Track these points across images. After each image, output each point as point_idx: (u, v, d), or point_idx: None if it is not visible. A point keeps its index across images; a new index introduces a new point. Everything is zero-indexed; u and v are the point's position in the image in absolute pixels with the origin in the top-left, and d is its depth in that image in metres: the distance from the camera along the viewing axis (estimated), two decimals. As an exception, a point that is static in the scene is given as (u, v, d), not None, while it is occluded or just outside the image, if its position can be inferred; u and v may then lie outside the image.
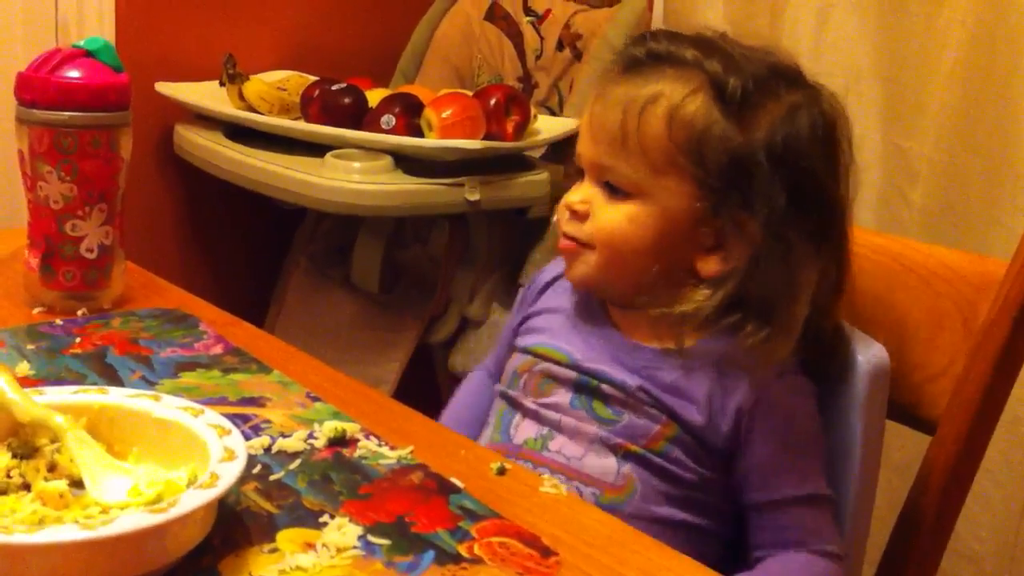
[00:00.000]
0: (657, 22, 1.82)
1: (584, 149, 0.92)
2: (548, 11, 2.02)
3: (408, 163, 1.74)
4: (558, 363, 0.93)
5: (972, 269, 0.95)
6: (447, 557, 0.65)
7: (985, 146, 1.44)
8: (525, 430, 0.93)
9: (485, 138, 1.73)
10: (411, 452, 0.78)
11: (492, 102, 1.75)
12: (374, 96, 1.87)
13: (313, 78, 1.96)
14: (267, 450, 0.76)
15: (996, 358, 0.90)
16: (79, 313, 0.99)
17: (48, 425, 0.68)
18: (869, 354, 0.92)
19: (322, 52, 2.18)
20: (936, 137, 1.51)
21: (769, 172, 0.86)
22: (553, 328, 0.97)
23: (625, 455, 0.88)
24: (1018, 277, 0.90)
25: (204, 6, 2.07)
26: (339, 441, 0.79)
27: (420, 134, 1.75)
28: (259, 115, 1.89)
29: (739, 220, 0.87)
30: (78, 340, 0.93)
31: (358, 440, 0.79)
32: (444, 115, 1.72)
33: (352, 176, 1.71)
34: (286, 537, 0.66)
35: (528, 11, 2.08)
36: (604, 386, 0.90)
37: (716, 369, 0.88)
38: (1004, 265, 0.92)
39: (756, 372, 0.87)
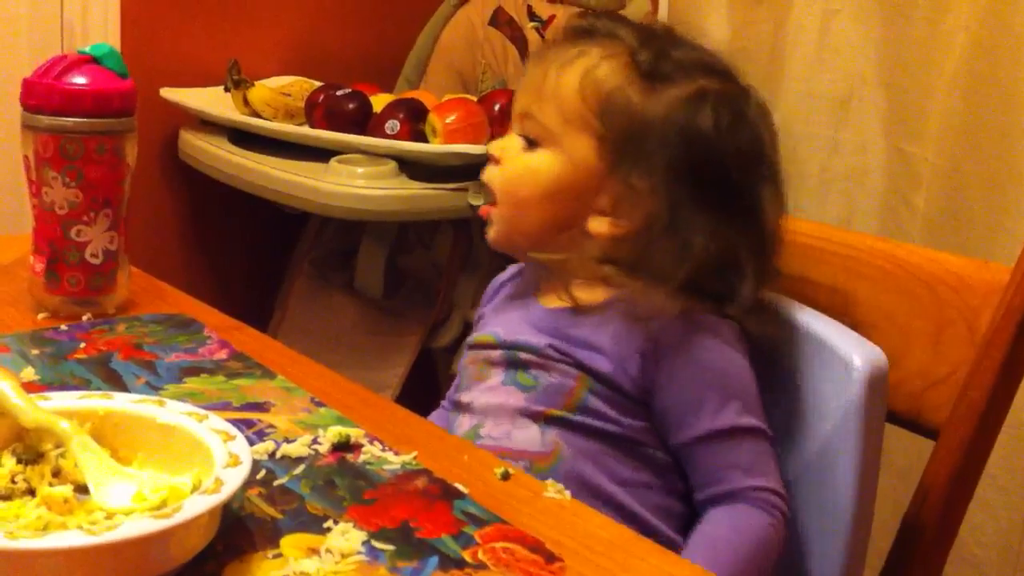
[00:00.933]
0: (661, 27, 1.82)
1: (515, 103, 0.99)
2: (552, 16, 2.02)
3: (412, 168, 1.74)
4: (489, 346, 0.98)
5: (976, 275, 0.95)
6: (451, 563, 0.65)
7: (989, 152, 1.44)
8: (462, 425, 0.98)
9: (489, 143, 1.73)
10: (415, 457, 0.78)
11: (496, 107, 1.76)
12: (378, 101, 1.87)
13: (318, 83, 1.96)
14: (271, 455, 0.77)
15: (1000, 364, 0.90)
16: (84, 318, 0.99)
17: (53, 430, 0.68)
18: (866, 357, 0.92)
19: (327, 57, 2.18)
20: (939, 142, 1.51)
21: (665, 144, 0.90)
22: (489, 317, 1.04)
23: (547, 421, 0.92)
24: (1022, 283, 0.90)
25: (209, 12, 2.07)
26: (343, 446, 0.79)
27: (424, 139, 1.75)
28: (263, 120, 1.90)
29: (633, 185, 0.91)
30: (83, 345, 0.93)
31: (362, 445, 0.79)
32: (448, 120, 1.72)
33: (356, 181, 1.72)
34: (290, 543, 0.66)
35: (532, 16, 2.08)
36: (522, 354, 0.95)
37: (622, 320, 0.92)
38: (1008, 271, 0.92)
39: (653, 321, 0.91)
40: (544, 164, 0.95)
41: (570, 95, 0.94)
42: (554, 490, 0.76)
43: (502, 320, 1.01)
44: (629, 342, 0.91)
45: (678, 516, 0.93)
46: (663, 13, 1.83)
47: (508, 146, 0.98)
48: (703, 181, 0.91)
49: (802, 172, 1.68)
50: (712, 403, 0.90)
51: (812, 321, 0.96)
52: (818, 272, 1.02)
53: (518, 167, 0.96)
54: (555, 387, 0.92)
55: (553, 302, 0.97)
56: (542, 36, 2.05)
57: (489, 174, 0.99)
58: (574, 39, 0.97)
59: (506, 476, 0.77)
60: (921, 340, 0.96)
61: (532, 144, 0.96)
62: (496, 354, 0.97)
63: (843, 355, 0.92)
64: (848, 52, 1.63)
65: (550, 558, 0.67)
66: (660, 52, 0.94)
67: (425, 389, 1.90)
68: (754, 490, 0.89)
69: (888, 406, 0.94)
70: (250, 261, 2.22)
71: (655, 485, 0.92)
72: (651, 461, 0.92)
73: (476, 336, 1.02)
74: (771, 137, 0.97)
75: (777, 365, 0.96)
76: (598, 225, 0.94)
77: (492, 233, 0.99)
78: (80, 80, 0.97)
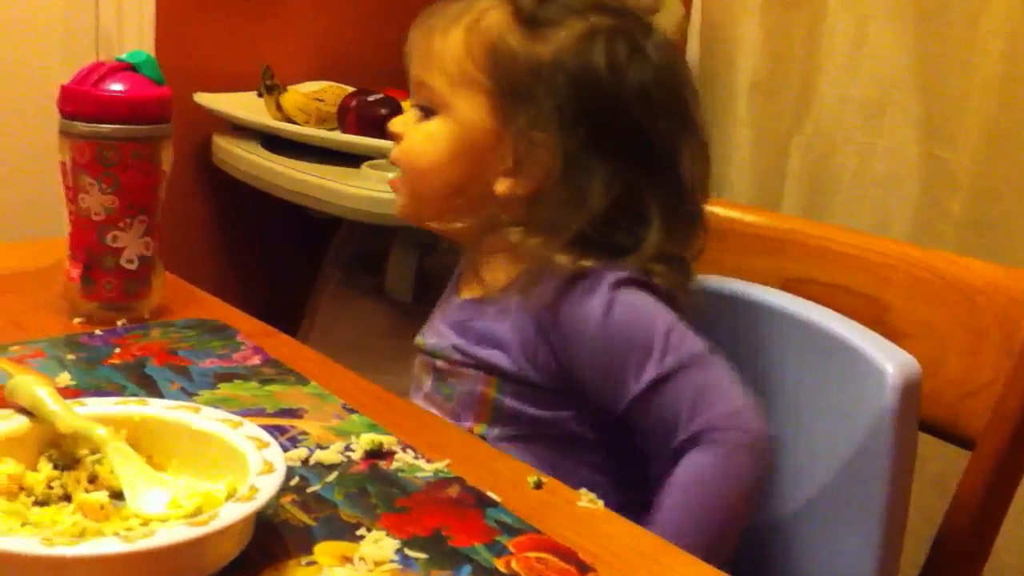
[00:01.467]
0: (694, 31, 1.82)
1: (408, 73, 0.95)
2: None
3: (443, 174, 1.74)
4: (421, 351, 0.98)
5: (1013, 284, 0.94)
6: (484, 572, 0.65)
7: (1025, 157, 1.43)
8: None
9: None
10: (447, 465, 0.78)
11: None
12: (410, 107, 1.88)
13: (350, 89, 1.97)
14: (304, 462, 0.77)
15: (1038, 374, 0.89)
16: (118, 324, 1.00)
17: (89, 436, 0.69)
18: (899, 365, 0.91)
19: (358, 63, 2.19)
20: (975, 148, 1.50)
21: (556, 90, 0.86)
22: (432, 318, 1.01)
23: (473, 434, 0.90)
24: (1060, 292, 0.89)
25: (242, 18, 2.09)
26: (376, 454, 0.79)
27: (455, 145, 1.75)
28: (296, 125, 1.91)
29: (531, 139, 0.88)
30: (117, 351, 0.94)
31: (395, 453, 0.79)
32: (479, 126, 1.72)
33: (387, 186, 1.72)
34: (323, 550, 0.66)
35: (563, 21, 2.08)
36: (438, 361, 0.94)
37: (519, 305, 0.89)
38: (1046, 280, 0.91)
39: (545, 285, 0.87)
40: (438, 130, 0.91)
41: (456, 55, 0.90)
42: (587, 499, 0.76)
43: (431, 322, 0.99)
44: (530, 329, 0.88)
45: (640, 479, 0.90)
46: (695, 18, 1.82)
47: (406, 120, 0.95)
48: (601, 125, 0.87)
49: (835, 177, 1.67)
50: (628, 364, 0.86)
51: (844, 328, 0.95)
52: (852, 279, 1.01)
53: (416, 138, 0.93)
54: (467, 396, 0.91)
55: (467, 290, 0.96)
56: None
57: (393, 152, 0.97)
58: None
59: (539, 485, 0.77)
60: (957, 349, 0.95)
61: (428, 113, 0.93)
62: (424, 360, 0.97)
63: (876, 363, 0.91)
64: (882, 57, 1.62)
65: (583, 568, 0.66)
66: None
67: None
68: (694, 437, 0.85)
69: (923, 415, 0.93)
70: (281, 266, 2.23)
71: (610, 466, 0.89)
72: (593, 446, 0.90)
73: (419, 337, 1.00)
74: (680, 76, 0.92)
75: (809, 372, 0.96)
76: (502, 186, 0.90)
77: (399, 206, 0.98)
78: (117, 87, 0.97)
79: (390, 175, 1.72)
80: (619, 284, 0.87)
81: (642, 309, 0.87)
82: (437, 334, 0.96)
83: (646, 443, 0.89)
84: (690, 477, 0.85)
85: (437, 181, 0.93)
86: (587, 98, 0.86)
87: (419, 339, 0.99)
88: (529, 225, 0.89)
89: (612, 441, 0.91)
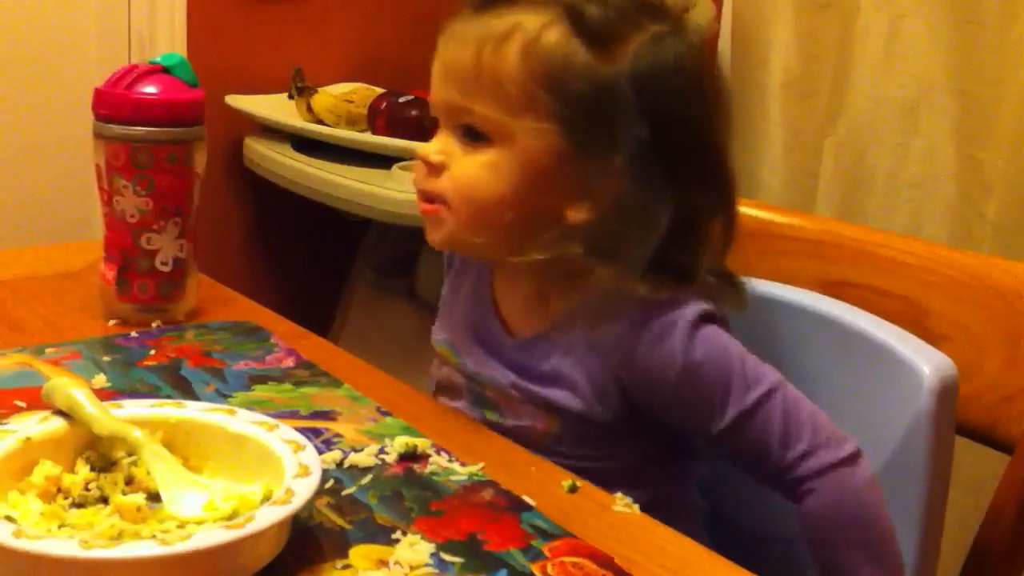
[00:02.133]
0: (725, 31, 1.81)
1: (436, 94, 0.86)
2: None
3: (474, 175, 1.74)
4: (455, 368, 0.93)
5: (1053, 287, 0.93)
6: (519, 576, 0.65)
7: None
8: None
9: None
10: (482, 468, 0.78)
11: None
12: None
13: (380, 90, 1.97)
14: (339, 465, 0.77)
15: (1078, 377, 0.88)
16: (153, 325, 1.00)
17: (126, 439, 0.69)
18: (936, 366, 0.90)
19: (389, 64, 2.20)
20: (1011, 149, 1.48)
21: (634, 105, 0.81)
22: (452, 318, 0.95)
23: None
24: (1101, 295, 0.87)
25: (273, 20, 2.10)
26: (410, 456, 0.79)
27: (486, 146, 1.75)
28: (327, 127, 1.91)
29: (605, 161, 0.82)
30: (153, 352, 0.94)
31: (429, 456, 0.79)
32: (510, 127, 1.72)
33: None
34: (359, 553, 0.66)
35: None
36: (487, 391, 0.90)
37: (587, 343, 0.85)
38: (1086, 283, 0.89)
39: (615, 323, 0.82)
40: (501, 160, 0.83)
41: (514, 78, 0.81)
42: (623, 504, 0.75)
43: (462, 336, 0.93)
44: (600, 369, 0.84)
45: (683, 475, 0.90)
46: (727, 19, 1.81)
47: (447, 148, 0.85)
48: (667, 136, 0.82)
49: (870, 179, 1.66)
50: (712, 403, 0.83)
51: (880, 330, 0.94)
52: (889, 282, 1.00)
53: (470, 170, 0.84)
54: (522, 429, 0.87)
55: (516, 320, 0.89)
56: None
57: (430, 183, 0.86)
58: (489, 6, 0.84)
59: (574, 489, 0.76)
60: (995, 352, 0.94)
61: (477, 138, 0.84)
62: (460, 380, 0.92)
63: (912, 365, 0.90)
64: (917, 57, 1.60)
65: (620, 573, 0.66)
66: (597, 1, 0.83)
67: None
68: (797, 476, 0.82)
69: (961, 419, 0.92)
70: (312, 267, 2.23)
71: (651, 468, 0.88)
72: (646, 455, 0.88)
73: (441, 345, 0.95)
74: (716, 74, 0.91)
75: (846, 375, 0.95)
76: (574, 212, 0.84)
77: (440, 237, 0.87)
78: (151, 90, 0.98)
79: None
80: (696, 323, 0.83)
81: (719, 347, 0.84)
82: (482, 364, 0.90)
83: (736, 463, 0.87)
84: (825, 524, 0.83)
85: (502, 215, 0.84)
86: (656, 110, 0.82)
87: (446, 349, 0.94)
88: (597, 251, 0.83)
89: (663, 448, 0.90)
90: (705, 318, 0.84)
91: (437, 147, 0.86)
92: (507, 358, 0.89)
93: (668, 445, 0.89)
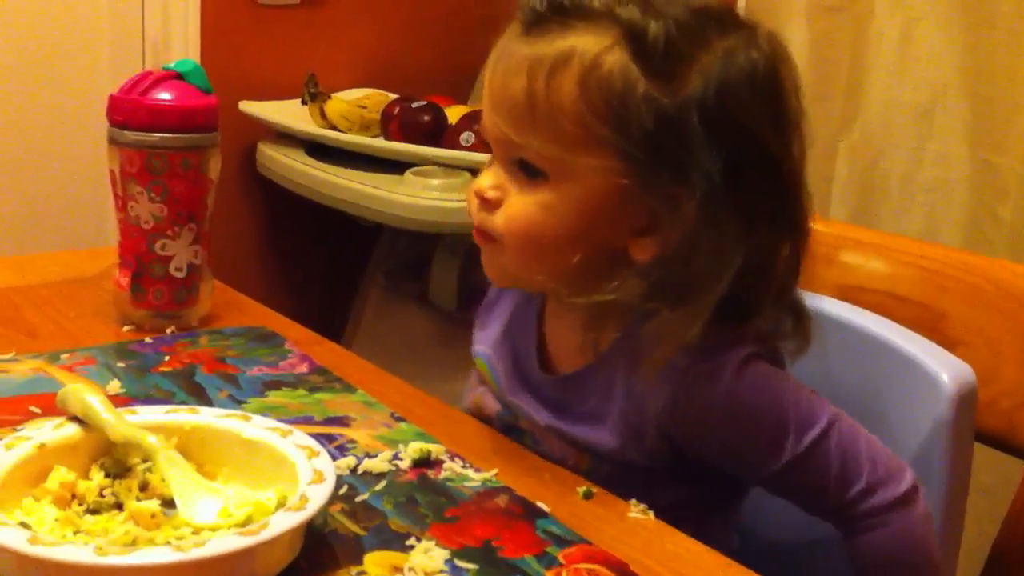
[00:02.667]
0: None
1: (488, 123, 0.79)
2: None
3: (487, 180, 1.74)
4: (490, 390, 0.90)
5: (1071, 292, 0.92)
6: (534, 583, 0.65)
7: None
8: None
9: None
10: (496, 475, 0.77)
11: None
12: (453, 113, 1.88)
13: (393, 96, 1.97)
14: (353, 471, 0.77)
15: (1096, 383, 0.87)
16: (168, 331, 1.01)
17: (140, 445, 0.69)
18: (955, 374, 0.89)
19: (402, 70, 2.20)
20: (1027, 153, 1.48)
21: (704, 135, 0.73)
22: (493, 332, 0.90)
23: None
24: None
25: (287, 26, 2.10)
26: (424, 462, 0.78)
27: (499, 151, 1.75)
28: (340, 133, 1.91)
29: (673, 195, 0.74)
30: (167, 358, 0.94)
31: (443, 462, 0.79)
32: (523, 132, 1.72)
33: (431, 193, 1.72)
34: (373, 560, 0.66)
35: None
36: (521, 422, 0.86)
37: (628, 383, 0.79)
38: (1104, 287, 0.89)
39: (663, 363, 0.76)
40: (558, 200, 0.76)
41: (571, 110, 0.74)
42: (638, 510, 0.75)
43: (502, 357, 0.88)
44: (640, 411, 0.79)
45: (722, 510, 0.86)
46: (740, 23, 1.81)
47: (502, 184, 0.79)
48: (740, 163, 0.75)
49: (884, 183, 1.65)
50: (761, 447, 0.78)
51: (899, 337, 0.94)
52: (905, 287, 1.00)
53: (525, 208, 0.78)
54: (555, 462, 0.82)
55: (563, 355, 0.84)
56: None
57: (485, 218, 0.80)
58: (542, 27, 0.76)
59: (588, 495, 0.76)
60: (1012, 357, 0.94)
61: (533, 175, 0.77)
62: (493, 404, 0.89)
63: (931, 372, 0.90)
64: (931, 61, 1.60)
65: (635, 580, 0.66)
66: (659, 17, 0.74)
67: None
68: (854, 515, 0.79)
69: (978, 425, 0.91)
70: (325, 272, 2.23)
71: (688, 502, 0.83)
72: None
73: (480, 360, 0.91)
74: (792, 81, 0.78)
75: (863, 381, 0.94)
76: (640, 250, 0.77)
77: (495, 272, 0.83)
78: (165, 96, 0.98)
79: (435, 181, 1.73)
80: (743, 364, 0.78)
81: (769, 386, 0.79)
82: (518, 395, 0.86)
83: (787, 499, 0.83)
84: (878, 562, 0.80)
85: (560, 255, 0.78)
86: (729, 138, 0.74)
87: (485, 367, 0.90)
88: (662, 293, 0.76)
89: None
90: (751, 358, 0.78)
91: (491, 181, 0.80)
92: (545, 395, 0.84)
93: (712, 489, 0.85)
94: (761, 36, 0.77)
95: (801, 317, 0.82)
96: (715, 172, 0.73)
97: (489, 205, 0.80)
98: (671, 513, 0.75)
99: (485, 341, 0.92)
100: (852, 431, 0.80)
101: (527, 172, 0.78)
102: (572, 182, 0.76)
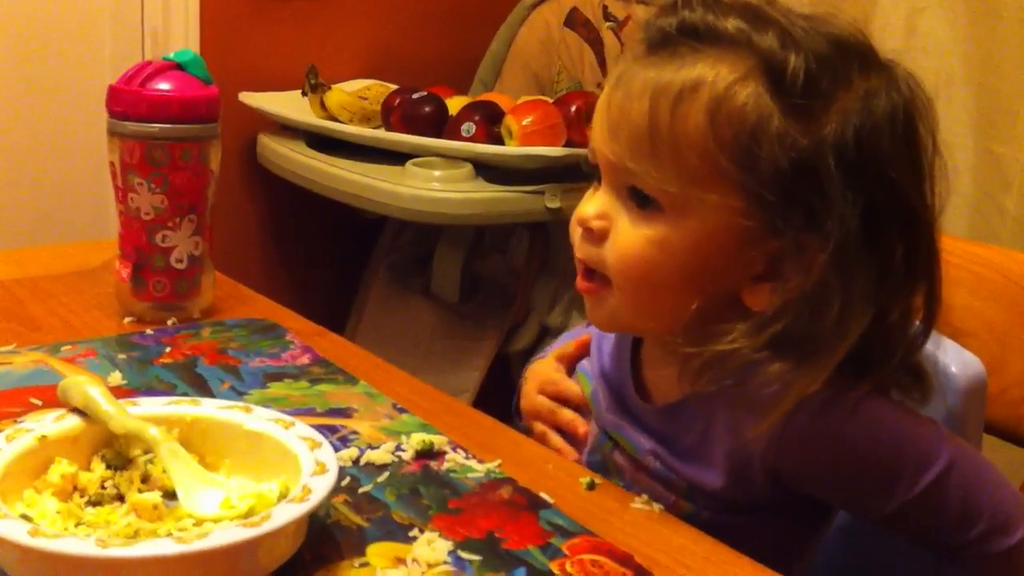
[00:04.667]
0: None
1: (600, 145, 0.74)
2: (628, 17, 2.01)
3: (489, 171, 1.74)
4: (589, 408, 0.86)
5: (1077, 281, 0.92)
6: (538, 575, 0.64)
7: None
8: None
9: (566, 146, 1.72)
10: (499, 466, 0.77)
11: (572, 109, 1.75)
12: (454, 104, 1.87)
13: (394, 87, 1.97)
14: (355, 462, 0.76)
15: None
16: (169, 323, 1.00)
17: (142, 437, 0.68)
18: (964, 367, 0.89)
19: (403, 61, 2.19)
20: (1031, 143, 1.47)
21: (837, 179, 0.68)
22: (596, 354, 0.87)
23: None
24: None
25: (286, 17, 2.09)
26: (427, 454, 0.78)
27: (500, 142, 1.75)
28: (341, 124, 1.91)
29: (800, 241, 0.69)
30: (168, 350, 0.94)
31: (446, 453, 0.78)
32: (525, 123, 1.72)
33: (432, 184, 1.72)
34: (376, 551, 0.65)
35: (608, 17, 2.06)
36: (617, 454, 0.82)
37: (730, 413, 0.74)
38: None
39: (779, 418, 0.70)
40: (674, 237, 0.71)
41: (696, 143, 0.69)
42: (641, 501, 0.74)
43: (602, 376, 0.85)
44: (746, 451, 0.74)
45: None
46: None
47: (609, 212, 0.73)
48: (876, 209, 0.69)
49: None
50: (875, 489, 0.74)
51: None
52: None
53: (635, 244, 0.72)
54: (654, 496, 0.76)
55: (665, 386, 0.79)
56: (618, 37, 2.03)
57: (590, 251, 0.75)
58: (670, 49, 0.71)
59: (592, 486, 0.76)
60: (1020, 348, 0.93)
61: (646, 204, 0.72)
62: (592, 429, 0.86)
63: (941, 365, 0.89)
64: (935, 51, 1.59)
65: (640, 572, 0.65)
66: (799, 50, 0.69)
67: (501, 393, 1.89)
68: (966, 555, 0.75)
69: (986, 416, 0.91)
70: (327, 264, 2.23)
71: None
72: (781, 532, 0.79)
73: (582, 375, 0.88)
74: (930, 127, 0.73)
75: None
76: (756, 297, 0.72)
77: (603, 319, 0.77)
78: (165, 87, 0.97)
79: (436, 172, 1.72)
80: (859, 401, 0.73)
81: (886, 427, 0.74)
82: (617, 420, 0.82)
83: (898, 536, 0.79)
84: None
85: (674, 298, 0.73)
86: (864, 184, 0.69)
87: (585, 381, 0.86)
88: (779, 343, 0.70)
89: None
90: (872, 392, 0.74)
91: (598, 209, 0.74)
92: (645, 423, 0.80)
93: (810, 531, 0.82)
94: (900, 78, 0.72)
95: (921, 376, 0.77)
96: (851, 219, 0.68)
97: (594, 237, 0.74)
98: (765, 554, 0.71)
99: (588, 360, 0.88)
100: (975, 469, 0.76)
101: (639, 201, 0.72)
102: (690, 218, 0.71)
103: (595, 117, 0.75)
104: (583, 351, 0.90)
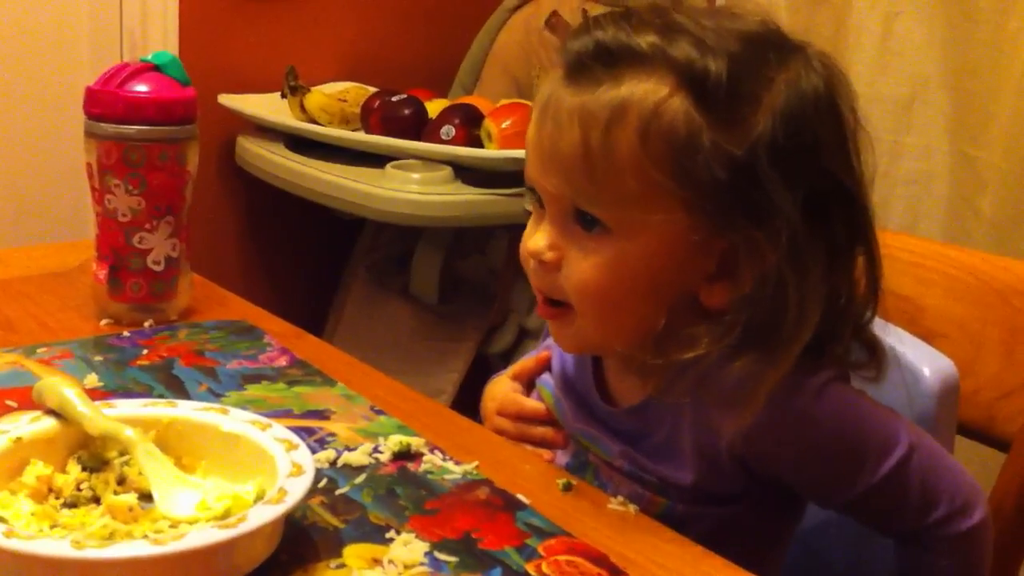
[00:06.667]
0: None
1: (538, 177, 0.74)
2: (608, 20, 2.01)
3: (467, 174, 1.74)
4: (555, 419, 0.87)
5: (1050, 283, 0.92)
6: (515, 575, 0.64)
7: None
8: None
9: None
10: (476, 467, 0.77)
11: (552, 112, 1.75)
12: (434, 107, 1.88)
13: (373, 89, 1.97)
14: (332, 464, 0.76)
15: (1075, 374, 0.88)
16: (146, 325, 1.00)
17: (118, 438, 0.68)
18: (937, 368, 0.89)
19: (382, 64, 2.19)
20: (1005, 146, 1.48)
21: (774, 175, 0.69)
22: (555, 365, 0.88)
23: None
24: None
25: (266, 19, 2.09)
26: (404, 455, 0.78)
27: (480, 145, 1.75)
28: (320, 126, 1.91)
29: (749, 239, 0.71)
30: (145, 352, 0.94)
31: (423, 454, 0.78)
32: (504, 125, 1.72)
33: (412, 187, 1.72)
34: (353, 552, 0.66)
35: (587, 21, 2.07)
36: (591, 455, 0.83)
37: (696, 408, 0.75)
38: (1082, 279, 0.89)
39: (752, 412, 0.71)
40: (624, 256, 0.72)
41: (632, 165, 0.70)
42: (617, 502, 0.75)
43: (566, 391, 0.85)
44: (715, 443, 0.75)
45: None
46: (721, 16, 1.81)
47: (558, 243, 0.74)
48: (814, 197, 0.71)
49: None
50: (841, 474, 0.76)
51: (880, 330, 0.94)
52: (886, 280, 0.99)
53: (589, 271, 0.73)
54: (629, 496, 0.77)
55: (628, 384, 0.80)
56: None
57: (545, 281, 0.76)
58: (589, 74, 0.71)
59: (568, 487, 0.76)
60: (993, 349, 0.94)
61: (592, 226, 0.73)
62: (562, 434, 0.87)
63: (913, 366, 0.90)
64: (911, 54, 1.60)
65: (615, 572, 0.66)
66: (715, 55, 0.70)
67: (479, 395, 1.89)
68: (926, 538, 0.77)
69: (959, 417, 0.91)
70: (306, 266, 2.23)
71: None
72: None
73: (544, 388, 0.88)
74: (849, 100, 0.74)
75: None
76: (712, 296, 0.73)
77: (571, 344, 0.79)
78: (143, 88, 0.97)
79: (415, 175, 1.72)
80: (822, 387, 0.74)
81: (849, 412, 0.75)
82: (585, 422, 0.83)
83: (858, 521, 0.81)
84: (937, 573, 0.78)
85: (635, 312, 0.74)
86: (802, 171, 0.70)
87: (548, 394, 0.87)
88: (744, 339, 0.71)
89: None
90: (834, 379, 0.76)
91: (547, 241, 0.75)
92: (614, 427, 0.81)
93: (784, 520, 0.83)
94: (814, 57, 0.74)
95: (875, 349, 0.79)
96: (793, 210, 0.70)
97: (548, 267, 0.75)
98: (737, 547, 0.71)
99: (549, 373, 0.89)
100: (933, 455, 0.77)
101: (586, 225, 0.73)
102: (638, 236, 0.72)
103: (528, 149, 0.75)
104: (543, 366, 0.90)
